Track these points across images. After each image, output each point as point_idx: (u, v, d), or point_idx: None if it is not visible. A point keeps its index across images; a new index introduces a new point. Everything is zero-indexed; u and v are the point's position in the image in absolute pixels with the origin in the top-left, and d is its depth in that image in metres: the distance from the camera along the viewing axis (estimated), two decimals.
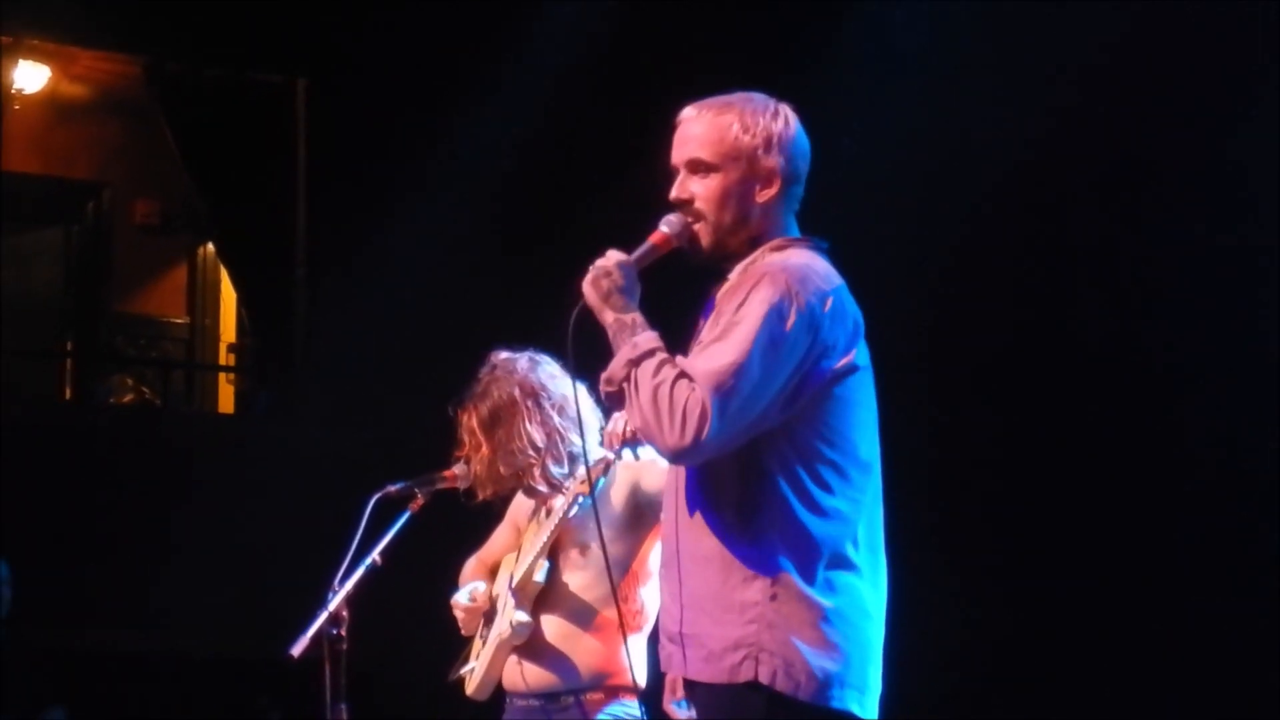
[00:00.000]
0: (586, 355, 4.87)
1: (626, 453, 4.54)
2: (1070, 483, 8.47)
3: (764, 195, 3.58)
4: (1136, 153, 8.27)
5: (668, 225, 3.60)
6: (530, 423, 4.64)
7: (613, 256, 3.57)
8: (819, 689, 3.44)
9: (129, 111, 11.21)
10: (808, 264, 3.54)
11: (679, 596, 3.56)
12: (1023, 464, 8.57)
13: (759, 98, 3.64)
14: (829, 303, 3.49)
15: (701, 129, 3.59)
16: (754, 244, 3.60)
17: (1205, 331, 8.09)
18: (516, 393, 4.66)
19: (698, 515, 3.53)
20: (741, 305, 3.47)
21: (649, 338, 3.48)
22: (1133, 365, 8.39)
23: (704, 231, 3.59)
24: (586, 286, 3.55)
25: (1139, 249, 8.32)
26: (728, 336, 3.43)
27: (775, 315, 3.42)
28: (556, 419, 4.65)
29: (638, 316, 3.52)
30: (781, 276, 3.47)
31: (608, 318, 3.53)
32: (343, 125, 9.99)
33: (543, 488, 4.69)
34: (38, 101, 11.23)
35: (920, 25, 8.42)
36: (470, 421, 4.69)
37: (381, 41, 9.73)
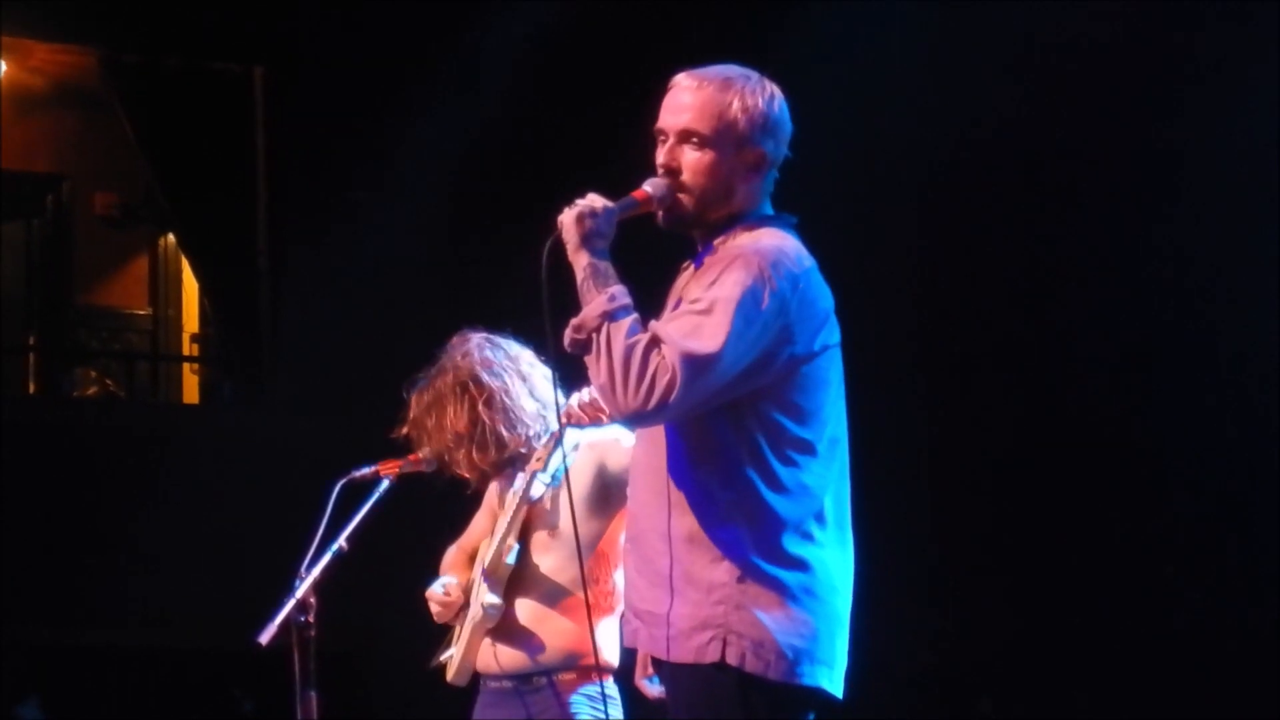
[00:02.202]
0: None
1: (589, 431, 4.54)
2: (1064, 471, 8.52)
3: (751, 178, 3.59)
4: (1130, 141, 8.32)
5: (652, 186, 3.58)
6: (456, 410, 4.64)
7: (597, 200, 3.54)
8: (789, 667, 3.45)
9: (86, 103, 11.15)
10: (779, 246, 3.54)
11: (645, 574, 3.56)
12: (1016, 451, 8.63)
13: (755, 77, 3.62)
14: (799, 286, 3.50)
15: (700, 101, 3.56)
16: (730, 220, 3.59)
17: (1204, 320, 8.15)
18: (450, 379, 4.67)
19: (664, 494, 3.53)
20: (714, 284, 3.46)
21: (623, 291, 3.48)
22: (1128, 352, 8.44)
23: (686, 202, 3.58)
24: (568, 222, 3.51)
25: (1138, 240, 8.36)
26: (704, 315, 3.42)
27: (750, 298, 3.42)
28: (482, 408, 4.64)
29: (611, 265, 3.50)
30: (754, 259, 3.47)
31: (582, 259, 3.50)
32: (302, 112, 9.97)
33: (468, 475, 4.70)
34: None
35: (902, 13, 8.43)
36: (413, 408, 4.71)
37: (339, 27, 9.71)
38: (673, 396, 3.36)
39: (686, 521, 3.50)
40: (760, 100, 3.58)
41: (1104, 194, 8.42)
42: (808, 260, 3.57)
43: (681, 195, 3.58)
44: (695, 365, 3.37)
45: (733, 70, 3.62)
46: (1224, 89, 7.95)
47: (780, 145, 3.62)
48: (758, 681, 3.44)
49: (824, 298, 3.56)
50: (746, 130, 3.56)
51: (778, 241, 3.55)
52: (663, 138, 3.60)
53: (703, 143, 3.56)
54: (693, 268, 3.62)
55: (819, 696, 3.51)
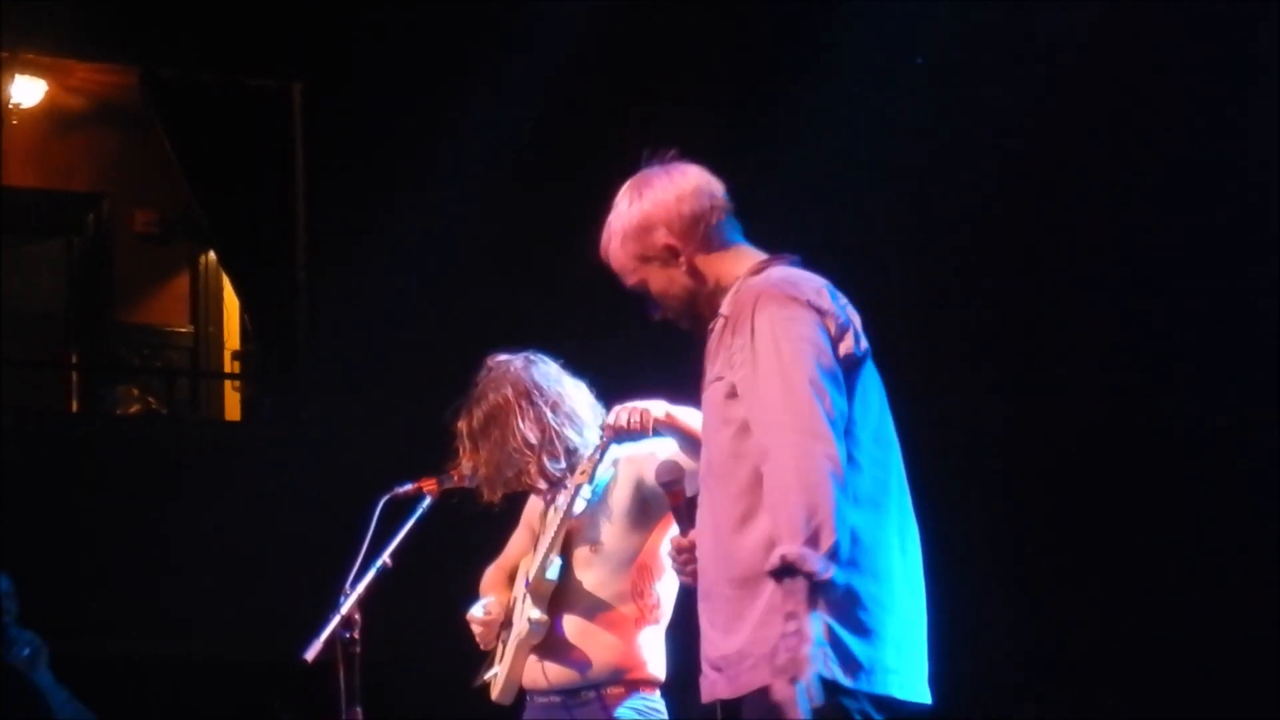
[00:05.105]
0: (588, 352, 4.90)
1: (626, 445, 4.56)
2: (1101, 484, 8.50)
3: (686, 261, 3.74)
4: (1135, 130, 8.30)
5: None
6: (524, 421, 4.66)
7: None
8: (862, 675, 3.48)
9: (126, 121, 11.21)
10: (788, 274, 3.66)
11: (718, 624, 3.60)
12: (1046, 457, 8.61)
13: (620, 192, 3.82)
14: (824, 292, 3.61)
15: (616, 262, 3.81)
16: (720, 285, 3.73)
17: (1207, 311, 8.12)
18: (509, 393, 4.69)
19: (732, 543, 3.57)
20: (754, 342, 3.54)
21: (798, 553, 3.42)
22: (1135, 345, 8.42)
23: (686, 318, 3.78)
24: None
25: (1145, 233, 8.34)
26: (765, 388, 3.50)
27: (785, 324, 3.53)
28: (550, 416, 4.68)
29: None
30: (771, 291, 3.58)
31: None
32: (340, 128, 9.99)
33: (542, 484, 4.71)
34: (35, 115, 11.25)
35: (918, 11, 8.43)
36: (466, 428, 4.72)
37: (376, 43, 9.74)
38: (820, 459, 3.43)
39: (757, 560, 3.50)
40: (628, 210, 3.78)
41: (1109, 189, 8.42)
42: (819, 280, 3.67)
43: (678, 317, 3.79)
44: (801, 427, 3.46)
45: (614, 207, 3.82)
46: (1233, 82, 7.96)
47: (679, 219, 3.74)
48: (829, 688, 3.44)
49: (842, 309, 3.63)
50: (644, 247, 3.76)
51: (785, 273, 3.67)
52: None
53: (643, 284, 3.78)
54: (719, 324, 3.70)
55: (889, 703, 3.54)
